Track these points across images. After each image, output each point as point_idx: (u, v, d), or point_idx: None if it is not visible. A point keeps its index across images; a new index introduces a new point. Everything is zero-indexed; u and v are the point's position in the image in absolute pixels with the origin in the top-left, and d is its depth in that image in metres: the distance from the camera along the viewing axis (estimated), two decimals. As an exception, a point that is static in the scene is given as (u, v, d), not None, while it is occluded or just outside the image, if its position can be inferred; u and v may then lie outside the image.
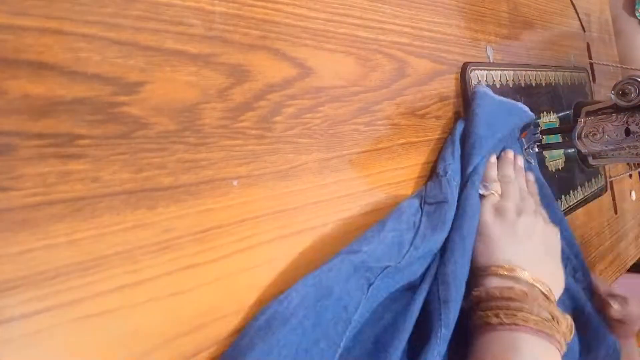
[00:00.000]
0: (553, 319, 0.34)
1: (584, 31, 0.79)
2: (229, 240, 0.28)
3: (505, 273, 0.35)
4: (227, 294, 0.27)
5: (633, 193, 0.85)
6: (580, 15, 0.78)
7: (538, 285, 0.35)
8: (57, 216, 0.21)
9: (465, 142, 0.42)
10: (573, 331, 0.36)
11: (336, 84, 0.35)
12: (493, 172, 0.43)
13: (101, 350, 0.22)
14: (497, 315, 0.33)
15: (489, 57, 0.53)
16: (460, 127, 0.43)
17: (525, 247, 0.38)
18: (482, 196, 0.41)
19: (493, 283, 0.36)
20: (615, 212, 0.77)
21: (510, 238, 0.38)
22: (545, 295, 0.35)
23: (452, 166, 0.40)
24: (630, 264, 0.81)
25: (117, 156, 0.23)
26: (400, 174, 0.40)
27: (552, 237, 0.41)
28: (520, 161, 0.47)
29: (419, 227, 0.36)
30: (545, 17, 0.68)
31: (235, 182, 0.28)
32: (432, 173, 0.42)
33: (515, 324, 0.32)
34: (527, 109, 0.48)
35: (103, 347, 0.22)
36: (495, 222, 0.38)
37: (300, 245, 0.31)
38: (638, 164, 0.80)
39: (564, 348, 0.34)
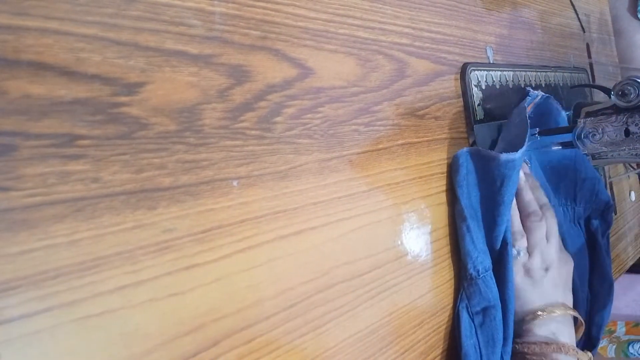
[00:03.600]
0: None
1: (584, 32, 0.79)
2: (229, 240, 0.28)
3: (544, 317, 0.42)
4: (227, 294, 0.27)
5: (632, 193, 0.85)
6: (580, 15, 0.78)
7: (569, 312, 0.44)
8: (57, 216, 0.21)
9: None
10: None
11: (336, 84, 0.35)
12: (516, 222, 0.46)
13: (101, 350, 0.22)
14: None
15: (488, 58, 0.53)
16: (465, 201, 0.43)
17: (551, 293, 0.44)
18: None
19: (534, 337, 0.42)
20: (615, 213, 0.77)
21: (537, 291, 0.44)
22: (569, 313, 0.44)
23: (480, 258, 0.42)
24: (630, 264, 0.81)
25: (118, 157, 0.23)
26: (400, 175, 0.40)
27: (569, 270, 0.47)
28: (527, 170, 0.49)
29: (481, 355, 0.41)
30: (545, 18, 0.68)
31: (235, 183, 0.28)
32: (464, 271, 0.43)
33: None
34: (503, 157, 0.42)
35: (103, 347, 0.22)
36: (526, 282, 0.44)
37: (300, 245, 0.31)
38: (637, 165, 0.80)
39: None
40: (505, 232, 0.43)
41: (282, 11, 0.32)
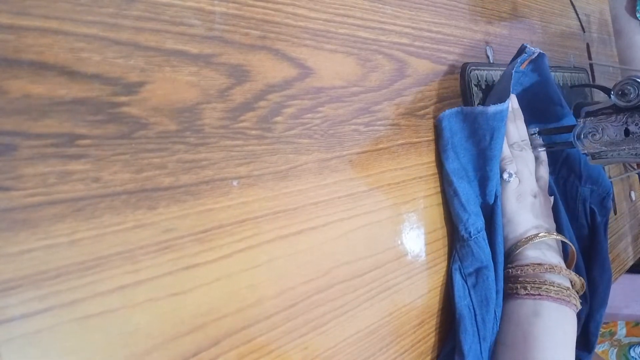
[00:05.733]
0: (572, 283, 0.43)
1: (584, 31, 0.79)
2: (229, 240, 0.28)
3: (537, 240, 0.43)
4: (227, 294, 0.27)
5: (632, 193, 0.85)
6: (579, 15, 0.78)
7: (555, 236, 0.44)
8: (57, 216, 0.21)
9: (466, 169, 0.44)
10: (585, 287, 0.45)
11: (336, 84, 0.35)
12: (506, 149, 0.46)
13: (101, 350, 0.22)
14: (525, 288, 0.41)
15: (488, 58, 0.53)
16: (450, 165, 0.43)
17: (540, 218, 0.45)
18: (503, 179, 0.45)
19: (526, 259, 0.43)
20: (615, 213, 0.77)
21: (530, 215, 0.45)
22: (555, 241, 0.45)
23: (470, 220, 0.42)
24: (630, 264, 0.81)
25: (118, 156, 0.23)
26: (400, 174, 0.40)
27: (549, 206, 0.49)
28: (515, 103, 0.49)
29: (475, 314, 0.41)
30: (545, 18, 0.68)
31: (235, 183, 0.28)
32: (456, 233, 0.43)
33: (540, 295, 0.40)
34: (491, 109, 0.42)
35: (103, 346, 0.22)
36: (519, 207, 0.45)
37: (300, 245, 0.31)
38: (637, 165, 0.80)
39: (579, 306, 0.42)
40: (496, 184, 0.44)
41: (283, 11, 0.33)
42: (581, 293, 0.44)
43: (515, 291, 0.42)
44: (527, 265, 0.42)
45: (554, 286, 0.40)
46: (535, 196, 0.46)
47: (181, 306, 0.25)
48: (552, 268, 0.41)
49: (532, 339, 0.39)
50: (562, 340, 0.39)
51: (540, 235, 0.43)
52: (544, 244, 0.44)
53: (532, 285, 0.41)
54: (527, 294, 0.41)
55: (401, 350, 0.38)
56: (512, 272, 0.42)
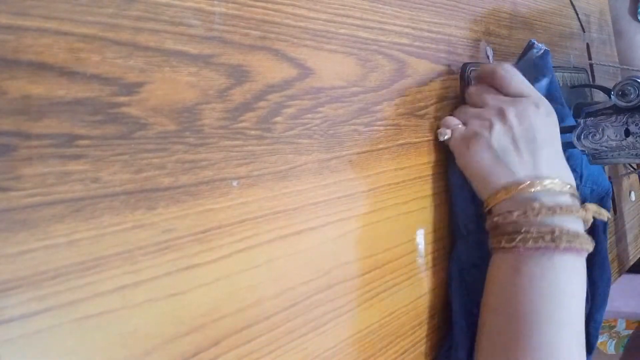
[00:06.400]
0: (565, 218, 0.35)
1: (584, 32, 0.79)
2: (228, 240, 0.28)
3: (505, 197, 0.36)
4: (227, 294, 0.27)
5: (632, 193, 0.85)
6: (579, 15, 0.78)
7: (541, 187, 0.35)
8: (56, 216, 0.21)
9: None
10: (600, 213, 0.37)
11: (336, 84, 0.35)
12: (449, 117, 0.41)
13: (101, 350, 0.22)
14: (499, 242, 0.36)
15: (488, 58, 0.53)
16: (451, 163, 0.43)
17: (512, 154, 0.36)
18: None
19: (500, 209, 0.36)
20: (615, 213, 0.77)
21: (494, 159, 0.37)
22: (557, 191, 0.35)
23: (470, 218, 0.42)
24: (630, 264, 0.81)
25: (117, 157, 0.23)
26: (400, 175, 0.40)
27: (544, 122, 0.37)
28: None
29: (475, 314, 0.39)
30: (544, 18, 0.68)
31: (234, 183, 0.28)
32: (456, 229, 0.43)
33: (516, 247, 0.35)
34: None
35: (103, 347, 0.22)
36: (470, 151, 0.37)
37: (300, 245, 0.31)
38: (636, 165, 0.80)
39: (585, 246, 0.35)
40: None
41: (282, 11, 0.32)
42: (590, 220, 0.37)
43: (495, 245, 0.37)
44: (499, 215, 0.36)
45: (530, 233, 0.34)
46: (490, 128, 0.36)
47: (181, 306, 0.25)
48: (525, 215, 0.34)
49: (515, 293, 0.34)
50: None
51: (510, 190, 0.35)
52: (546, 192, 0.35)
53: (507, 237, 0.35)
54: (503, 248, 0.36)
55: (401, 351, 0.38)
56: (487, 225, 0.38)
